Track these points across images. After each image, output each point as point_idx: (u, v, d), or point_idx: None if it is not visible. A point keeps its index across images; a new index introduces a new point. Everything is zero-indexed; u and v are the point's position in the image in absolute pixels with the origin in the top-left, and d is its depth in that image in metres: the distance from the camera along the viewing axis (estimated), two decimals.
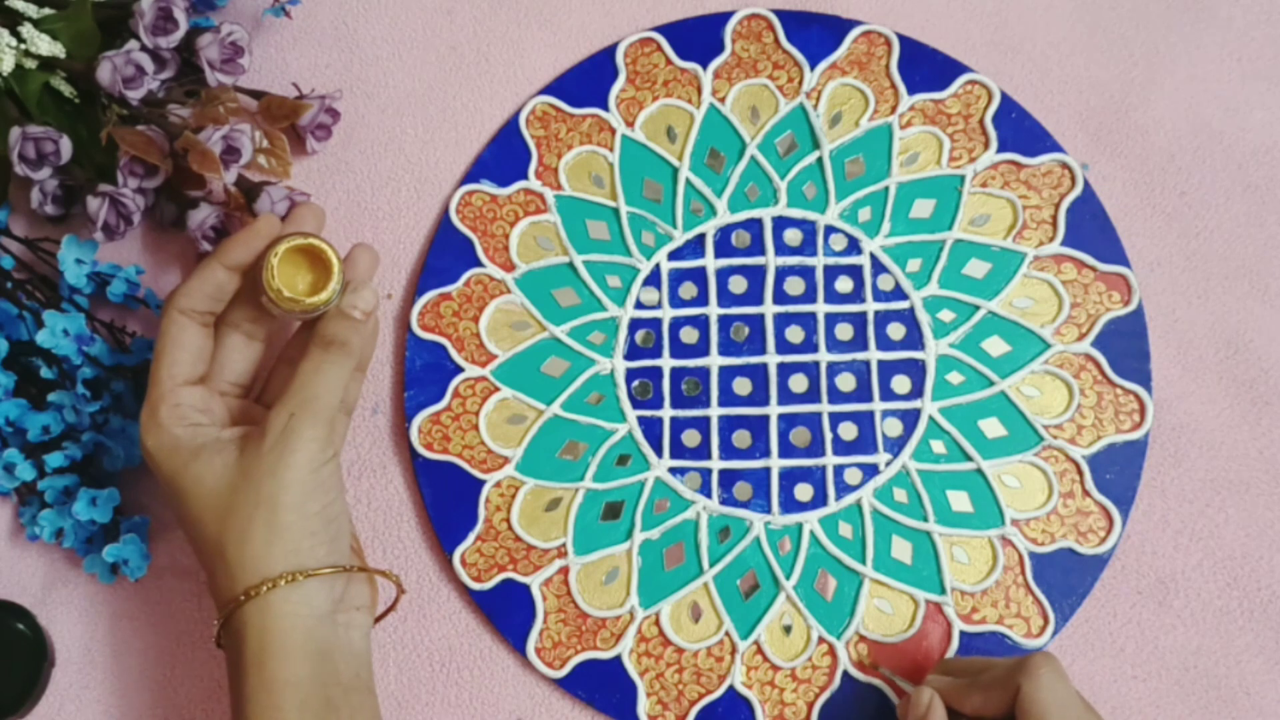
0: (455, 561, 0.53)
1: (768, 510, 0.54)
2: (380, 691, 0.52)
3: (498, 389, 0.55)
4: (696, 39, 0.58)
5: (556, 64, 0.59)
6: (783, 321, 0.55)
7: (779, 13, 0.58)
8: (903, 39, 0.58)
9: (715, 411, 0.55)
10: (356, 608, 0.45)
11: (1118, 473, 0.54)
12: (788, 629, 0.53)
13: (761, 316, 0.55)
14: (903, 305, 0.55)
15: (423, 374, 0.55)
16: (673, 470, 0.54)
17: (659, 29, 0.58)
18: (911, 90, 0.57)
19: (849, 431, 0.54)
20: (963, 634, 0.52)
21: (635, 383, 0.55)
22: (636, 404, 0.55)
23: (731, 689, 0.52)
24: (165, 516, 0.54)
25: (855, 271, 0.56)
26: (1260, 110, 0.58)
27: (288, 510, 0.43)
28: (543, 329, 0.55)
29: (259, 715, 0.42)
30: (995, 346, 0.55)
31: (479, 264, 0.56)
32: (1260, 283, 0.56)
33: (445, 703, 0.53)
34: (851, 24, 0.58)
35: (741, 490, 0.54)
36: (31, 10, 0.52)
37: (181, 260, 0.57)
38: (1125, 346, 0.55)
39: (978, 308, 0.55)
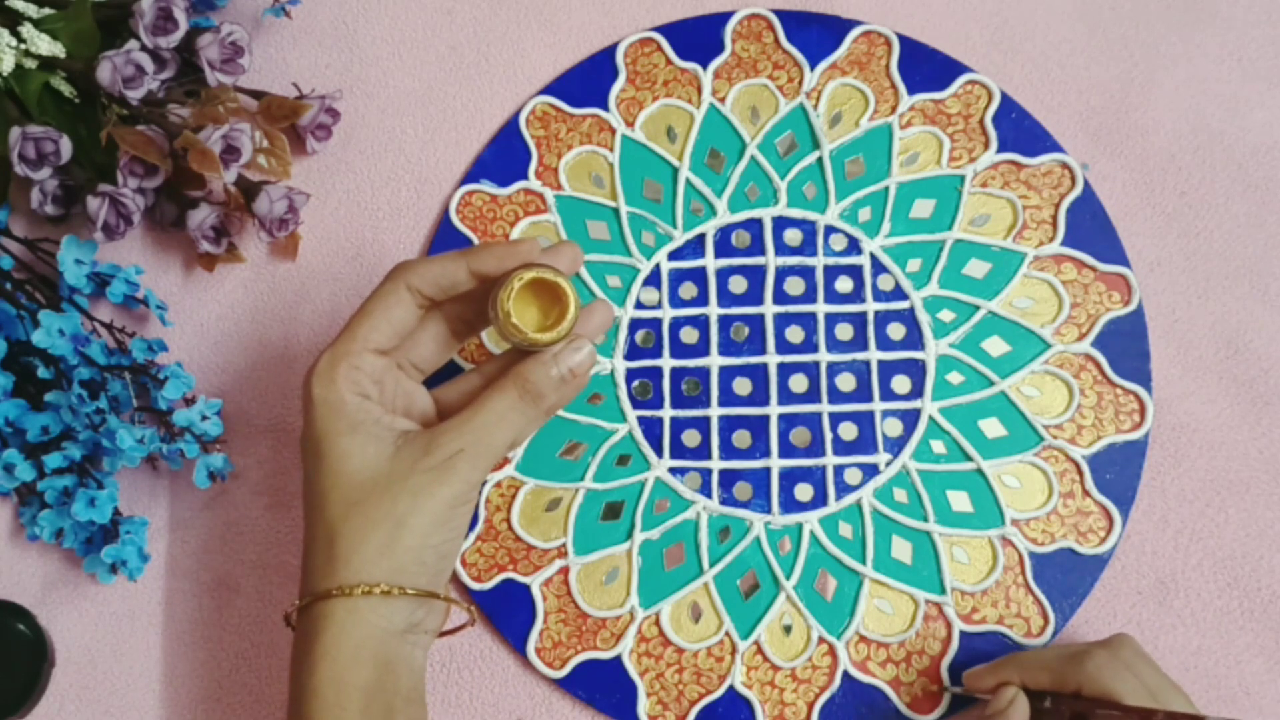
0: (455, 561, 0.53)
1: (768, 510, 0.53)
2: None
3: None
4: (696, 39, 0.58)
5: (556, 64, 0.59)
6: (783, 321, 0.55)
7: (779, 13, 0.58)
8: (903, 39, 0.58)
9: (715, 411, 0.55)
10: (426, 631, 0.45)
11: (1118, 473, 0.54)
12: (788, 629, 0.52)
13: (761, 316, 0.55)
14: (903, 305, 0.55)
15: None
16: (673, 470, 0.54)
17: (659, 29, 0.58)
18: (911, 90, 0.57)
19: (849, 431, 0.54)
20: (963, 634, 0.52)
21: (635, 383, 0.55)
22: (636, 404, 0.55)
23: (731, 689, 0.52)
24: (164, 516, 0.54)
25: (855, 271, 0.56)
26: (1260, 110, 0.58)
27: (413, 534, 0.43)
28: None
29: (324, 711, 0.42)
30: (995, 346, 0.55)
31: None
32: (1260, 283, 0.56)
33: (445, 703, 0.53)
34: (851, 24, 0.58)
35: (741, 490, 0.54)
36: (31, 10, 0.52)
37: (182, 260, 0.57)
38: (1125, 346, 0.55)
39: (978, 308, 0.55)
